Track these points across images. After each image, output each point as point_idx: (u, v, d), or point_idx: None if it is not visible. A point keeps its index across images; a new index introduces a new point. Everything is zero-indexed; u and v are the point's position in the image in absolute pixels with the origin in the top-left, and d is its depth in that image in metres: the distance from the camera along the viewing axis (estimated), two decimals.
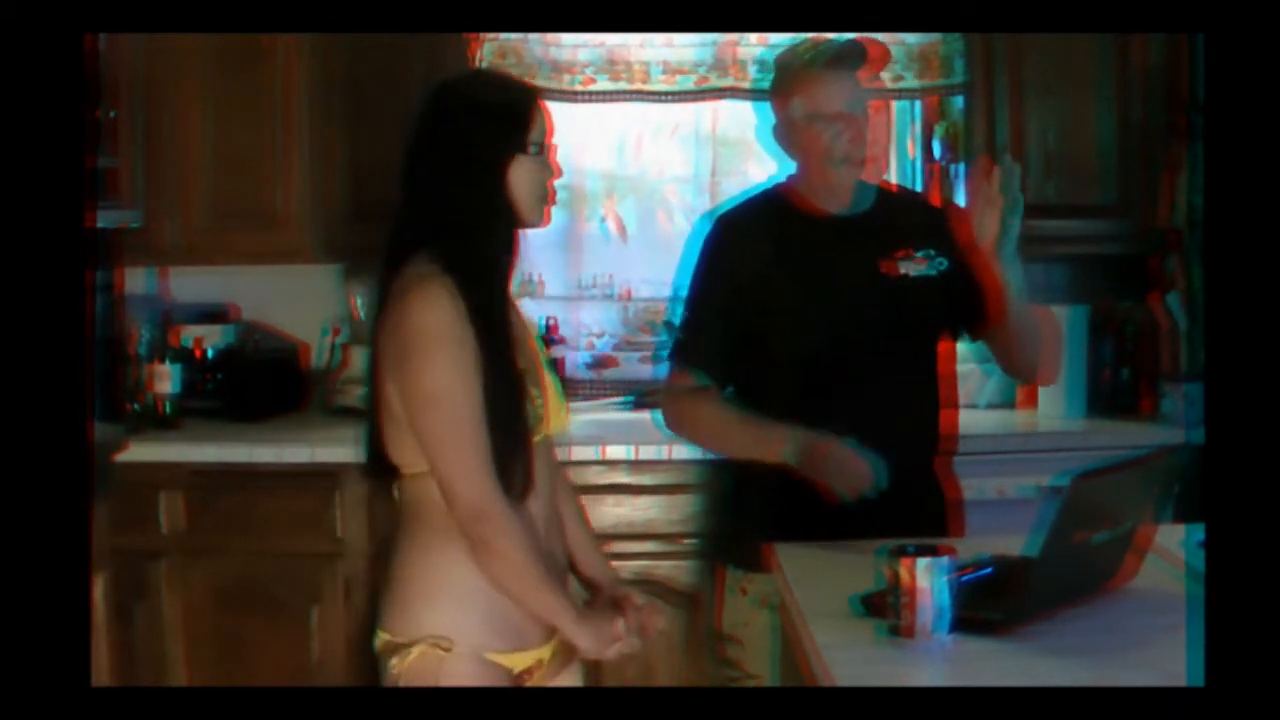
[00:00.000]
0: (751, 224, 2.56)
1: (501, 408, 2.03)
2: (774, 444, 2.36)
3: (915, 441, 2.52)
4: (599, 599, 2.25)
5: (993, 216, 2.26)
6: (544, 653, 2.13)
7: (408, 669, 2.05)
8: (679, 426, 2.58)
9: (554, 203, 2.15)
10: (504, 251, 2.11)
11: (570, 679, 2.20)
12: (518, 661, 2.11)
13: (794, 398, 2.46)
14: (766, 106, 2.55)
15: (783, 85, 2.49)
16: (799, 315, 2.46)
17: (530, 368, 2.12)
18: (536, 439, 2.09)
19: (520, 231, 2.13)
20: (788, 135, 2.49)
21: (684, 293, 2.58)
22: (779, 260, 2.47)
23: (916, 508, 2.46)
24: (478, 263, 2.06)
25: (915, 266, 2.48)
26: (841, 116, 2.42)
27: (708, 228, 2.60)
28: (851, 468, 2.27)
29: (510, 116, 2.10)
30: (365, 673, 2.18)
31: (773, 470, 2.40)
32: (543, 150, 2.11)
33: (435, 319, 2.00)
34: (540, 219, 2.14)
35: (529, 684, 2.15)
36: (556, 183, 2.16)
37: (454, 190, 2.08)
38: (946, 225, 2.53)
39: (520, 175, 2.09)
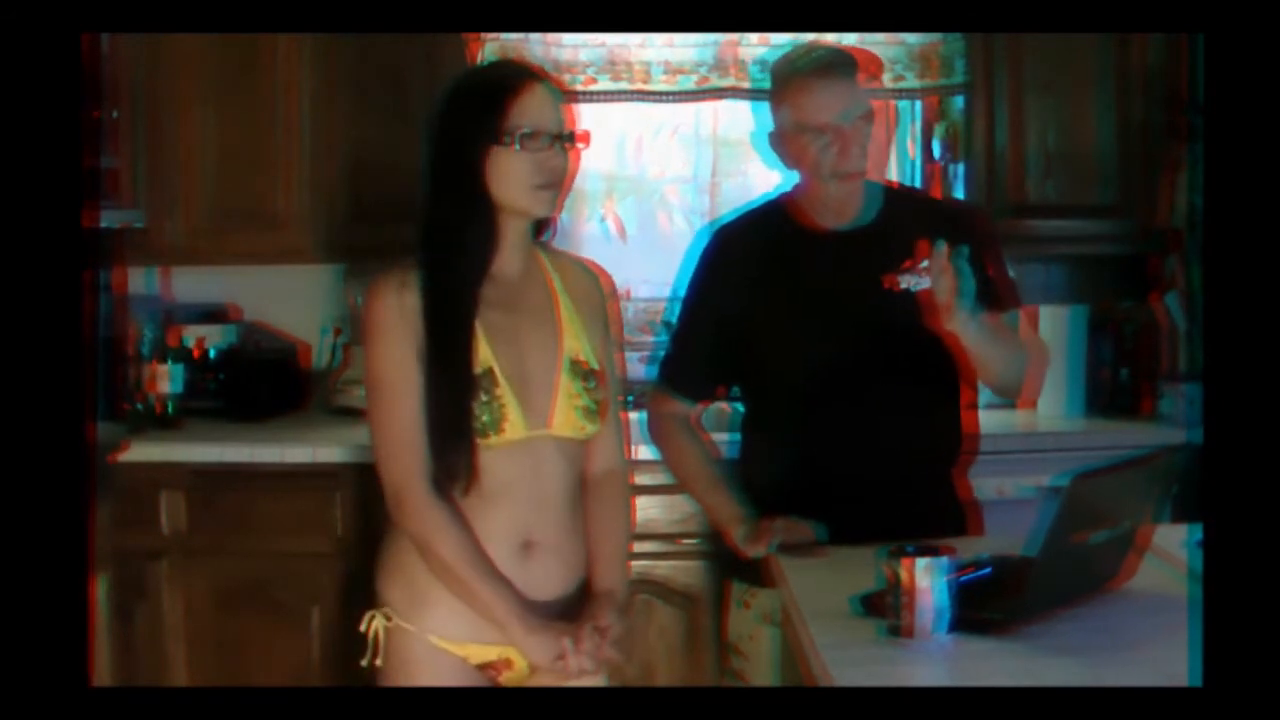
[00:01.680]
0: (748, 240, 2.51)
1: (441, 403, 2.06)
2: (729, 524, 2.39)
3: (932, 453, 2.49)
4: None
5: (948, 299, 2.18)
6: (514, 652, 2.12)
7: (367, 632, 2.18)
8: (659, 450, 2.59)
9: (558, 187, 2.11)
10: (471, 249, 2.10)
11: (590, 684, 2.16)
12: (474, 653, 2.12)
13: (798, 414, 2.44)
14: (765, 108, 2.48)
15: (775, 92, 2.43)
16: (796, 335, 2.42)
17: (513, 367, 2.09)
18: (494, 439, 2.07)
19: (518, 223, 2.13)
20: (781, 144, 2.44)
21: (680, 297, 2.57)
22: (774, 278, 2.43)
23: (935, 519, 2.41)
24: (436, 260, 2.09)
25: (919, 278, 2.39)
26: (829, 129, 2.34)
27: (706, 239, 2.57)
28: (787, 534, 2.28)
29: (480, 108, 2.08)
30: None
31: (779, 481, 2.42)
32: (531, 139, 2.07)
33: (377, 311, 2.09)
34: (541, 206, 2.11)
35: (503, 680, 2.16)
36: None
37: (432, 187, 2.13)
38: (955, 227, 2.44)
39: (499, 167, 2.07)
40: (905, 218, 2.46)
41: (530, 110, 2.08)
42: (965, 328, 2.18)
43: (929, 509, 2.45)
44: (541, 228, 2.20)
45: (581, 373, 2.16)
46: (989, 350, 2.28)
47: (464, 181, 2.08)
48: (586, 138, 2.15)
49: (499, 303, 2.12)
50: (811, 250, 2.44)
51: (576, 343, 2.17)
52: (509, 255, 2.15)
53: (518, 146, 2.06)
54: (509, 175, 2.08)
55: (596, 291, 2.27)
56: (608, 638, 2.09)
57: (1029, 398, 2.51)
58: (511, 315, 2.14)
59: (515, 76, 2.12)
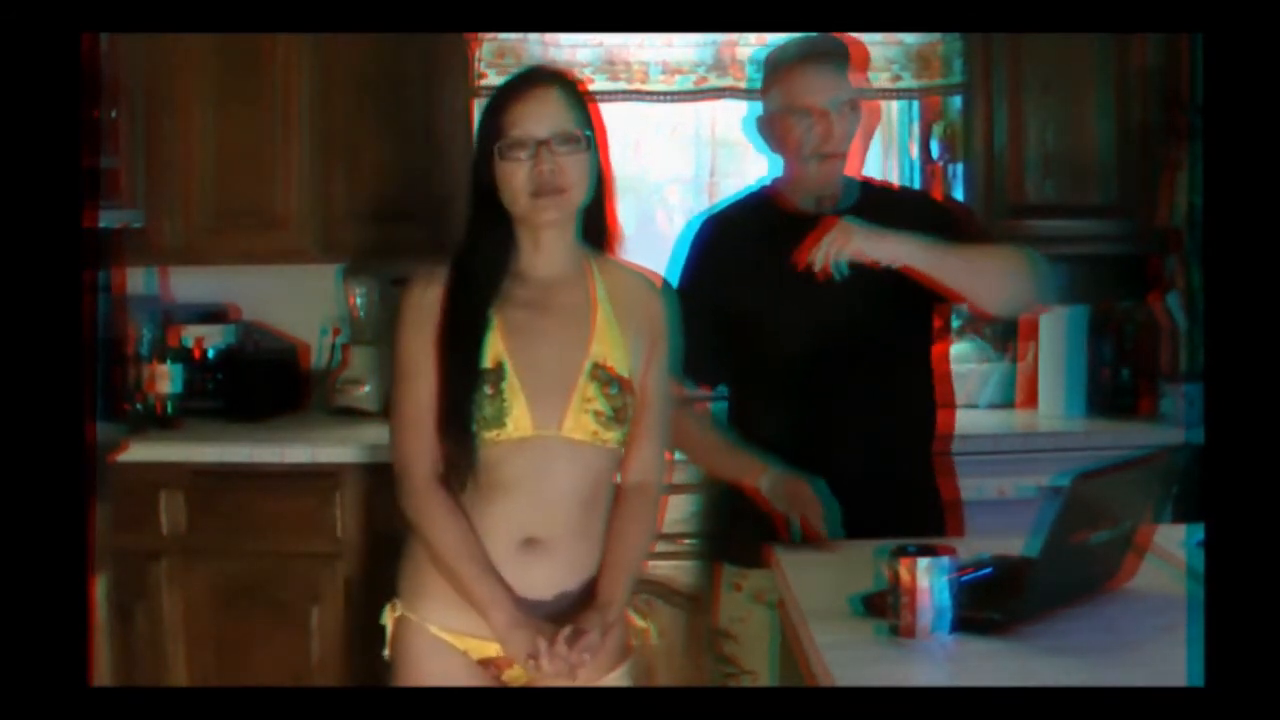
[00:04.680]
0: (736, 224, 2.57)
1: (446, 393, 2.10)
2: (751, 472, 2.41)
3: (907, 436, 2.53)
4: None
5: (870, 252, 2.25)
6: None
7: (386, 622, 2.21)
8: None
9: (549, 193, 2.09)
10: (486, 253, 2.14)
11: (617, 681, 2.18)
12: (474, 647, 2.13)
13: (782, 396, 2.48)
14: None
15: (767, 77, 2.53)
16: (781, 315, 2.47)
17: (529, 365, 2.10)
18: (498, 434, 2.08)
19: (548, 230, 2.14)
20: (768, 127, 2.52)
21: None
22: (761, 260, 2.47)
23: (911, 504, 2.48)
24: (458, 258, 2.16)
25: None
26: (813, 111, 2.43)
27: (694, 228, 2.61)
28: (814, 510, 2.30)
29: (484, 120, 2.15)
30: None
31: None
32: (513, 149, 2.08)
33: (404, 301, 2.17)
34: (539, 213, 2.11)
35: (505, 678, 2.16)
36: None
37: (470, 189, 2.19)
38: (929, 212, 2.52)
39: (498, 178, 2.12)
40: (883, 203, 2.55)
41: (518, 118, 2.09)
42: (912, 256, 2.26)
43: (910, 488, 2.51)
44: (598, 235, 2.20)
45: (604, 378, 2.14)
46: (951, 267, 2.30)
47: (481, 190, 2.14)
48: (600, 136, 2.15)
49: (527, 303, 2.15)
50: (796, 233, 2.47)
51: (607, 349, 2.15)
52: (543, 259, 2.16)
53: (499, 157, 2.10)
54: (505, 186, 2.11)
55: (652, 303, 2.25)
56: (582, 641, 2.04)
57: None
58: (539, 316, 2.15)
59: (516, 85, 2.15)
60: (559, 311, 2.16)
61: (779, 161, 2.56)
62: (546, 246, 2.16)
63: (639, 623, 2.21)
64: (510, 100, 2.11)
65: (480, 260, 2.14)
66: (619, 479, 2.23)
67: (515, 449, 2.09)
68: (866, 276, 2.32)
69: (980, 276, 2.36)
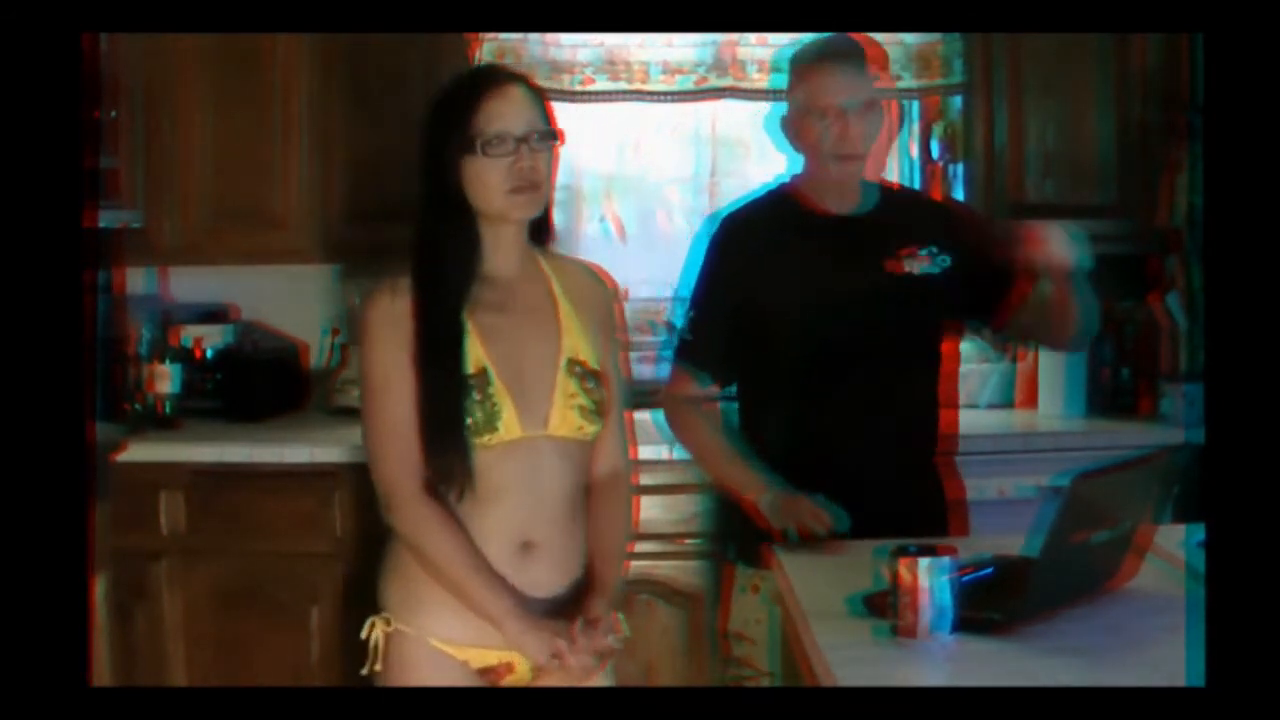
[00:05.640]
0: (756, 224, 2.57)
1: (433, 404, 2.07)
2: (753, 489, 2.40)
3: (916, 438, 2.55)
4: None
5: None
6: (516, 655, 2.11)
7: (370, 638, 2.17)
8: (675, 433, 2.61)
9: (527, 190, 2.08)
10: (455, 256, 2.11)
11: (604, 679, 2.16)
12: (474, 657, 2.12)
13: (798, 395, 2.48)
14: (766, 105, 2.57)
15: (790, 77, 2.54)
16: (803, 315, 2.47)
17: (509, 368, 2.09)
18: (490, 439, 2.06)
19: (507, 227, 2.13)
20: (789, 127, 2.53)
21: (687, 292, 2.59)
22: (783, 260, 2.48)
23: (916, 505, 2.49)
24: (422, 265, 2.11)
25: (920, 264, 2.50)
26: (831, 111, 2.43)
27: (713, 227, 2.61)
28: (812, 519, 2.29)
29: (450, 118, 2.10)
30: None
31: (779, 458, 2.44)
32: (495, 145, 2.06)
33: (371, 313, 2.12)
34: (519, 210, 2.10)
35: (505, 685, 2.15)
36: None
37: (420, 195, 2.14)
38: (948, 221, 2.54)
39: (471, 176, 2.08)
40: (903, 207, 2.60)
41: (494, 115, 2.07)
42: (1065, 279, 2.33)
43: (916, 490, 2.52)
44: (541, 232, 2.19)
45: (581, 373, 2.14)
46: (1074, 297, 2.37)
47: (443, 191, 2.10)
48: (559, 135, 2.13)
49: (495, 305, 2.13)
50: (819, 230, 2.51)
51: (576, 343, 2.16)
52: (502, 258, 2.15)
53: (480, 154, 2.07)
54: (480, 183, 2.08)
55: (600, 293, 2.26)
56: (599, 629, 2.07)
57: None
58: (508, 317, 2.14)
59: (481, 83, 2.12)
60: (525, 310, 2.15)
61: (788, 162, 2.57)
62: (507, 245, 2.15)
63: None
64: (481, 98, 2.08)
65: (448, 264, 2.11)
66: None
67: (505, 452, 2.08)
68: (891, 280, 2.33)
69: (1074, 310, 2.42)
